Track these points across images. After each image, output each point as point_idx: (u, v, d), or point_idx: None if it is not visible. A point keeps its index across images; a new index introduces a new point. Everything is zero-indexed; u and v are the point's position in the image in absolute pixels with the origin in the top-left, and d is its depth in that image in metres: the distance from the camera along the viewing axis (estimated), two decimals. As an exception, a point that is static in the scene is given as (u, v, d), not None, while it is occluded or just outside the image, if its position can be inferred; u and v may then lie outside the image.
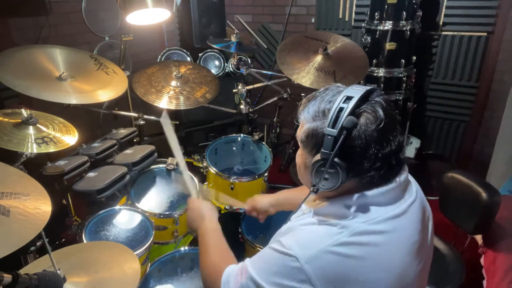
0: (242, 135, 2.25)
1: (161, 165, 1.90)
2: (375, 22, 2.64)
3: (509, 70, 2.71)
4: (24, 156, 1.42)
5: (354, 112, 0.77)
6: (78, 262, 1.13)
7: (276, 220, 2.12)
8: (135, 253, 1.22)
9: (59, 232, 1.70)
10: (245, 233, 1.89)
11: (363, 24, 2.79)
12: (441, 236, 1.89)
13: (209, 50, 2.95)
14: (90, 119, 2.68)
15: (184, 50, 3.00)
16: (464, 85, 2.92)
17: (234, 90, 2.46)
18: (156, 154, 1.92)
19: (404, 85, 2.71)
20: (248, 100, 2.52)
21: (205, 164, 2.03)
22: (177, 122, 2.60)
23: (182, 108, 2.16)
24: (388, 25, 2.60)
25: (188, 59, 2.97)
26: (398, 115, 0.87)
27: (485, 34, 2.74)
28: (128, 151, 1.89)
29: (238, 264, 0.96)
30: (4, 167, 1.09)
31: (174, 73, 2.24)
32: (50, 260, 0.98)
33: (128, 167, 1.73)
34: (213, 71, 2.90)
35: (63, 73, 1.75)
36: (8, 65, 1.62)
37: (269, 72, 2.82)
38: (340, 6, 3.23)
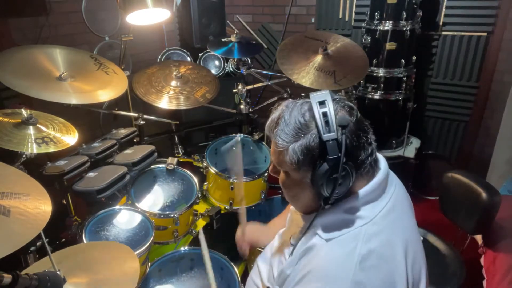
0: (242, 135, 2.25)
1: (161, 165, 1.90)
2: (375, 22, 2.64)
3: (509, 70, 2.71)
4: (24, 156, 1.42)
5: (336, 113, 0.79)
6: (78, 262, 1.13)
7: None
8: (135, 253, 1.22)
9: (59, 232, 1.70)
10: (245, 233, 1.89)
11: (363, 24, 2.79)
12: (441, 236, 1.90)
13: (209, 50, 2.95)
14: (90, 119, 2.67)
15: (184, 50, 3.00)
16: (464, 85, 2.92)
17: (234, 90, 2.46)
18: (156, 154, 1.92)
19: (404, 85, 2.71)
20: (248, 100, 2.52)
21: (205, 164, 2.03)
22: (177, 122, 2.60)
23: (182, 108, 2.16)
24: (388, 25, 2.60)
25: (188, 59, 2.97)
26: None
27: (485, 34, 2.74)
28: (128, 151, 1.89)
29: None
30: (4, 167, 1.09)
31: (174, 73, 2.24)
32: (50, 260, 0.98)
33: (128, 167, 1.73)
34: (213, 71, 2.90)
35: (63, 73, 1.75)
36: (8, 65, 1.62)
37: (269, 72, 2.82)
38: (340, 6, 3.23)
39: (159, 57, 2.96)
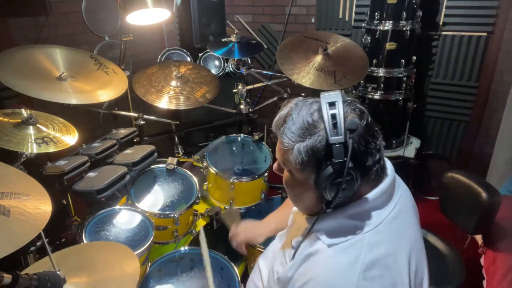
0: (242, 135, 2.25)
1: (161, 165, 1.90)
2: (375, 22, 2.64)
3: (509, 70, 2.71)
4: (24, 156, 1.42)
5: (345, 116, 0.76)
6: (78, 262, 1.13)
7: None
8: (135, 253, 1.22)
9: (59, 232, 1.70)
10: (245, 233, 1.89)
11: (363, 24, 2.79)
12: (441, 236, 1.90)
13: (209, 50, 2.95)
14: (90, 119, 2.68)
15: (184, 50, 3.00)
16: (464, 85, 2.92)
17: (234, 90, 2.46)
18: (156, 154, 1.92)
19: (404, 85, 2.71)
20: (248, 100, 2.52)
21: (205, 164, 2.03)
22: (177, 122, 2.60)
23: (182, 108, 2.16)
24: (388, 25, 2.60)
25: (188, 59, 2.97)
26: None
27: (485, 34, 2.74)
28: (128, 151, 1.89)
29: None
30: (4, 167, 1.09)
31: (174, 73, 2.24)
32: (50, 260, 0.98)
33: (128, 167, 1.73)
34: (213, 71, 2.90)
35: (63, 73, 1.75)
36: (8, 65, 1.62)
37: (269, 72, 2.82)
38: (340, 6, 3.23)
39: (159, 57, 2.96)
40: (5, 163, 1.10)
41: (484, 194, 1.63)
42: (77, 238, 1.53)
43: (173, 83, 2.21)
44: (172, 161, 1.89)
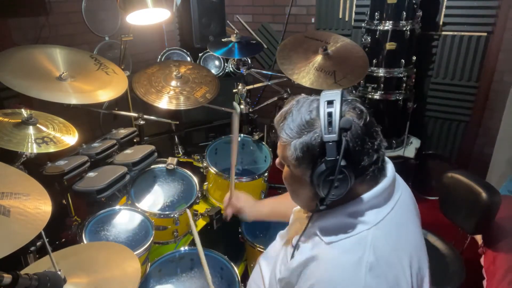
0: (242, 135, 2.25)
1: (161, 165, 1.90)
2: (375, 22, 2.64)
3: (509, 70, 2.71)
4: (24, 156, 1.42)
5: (341, 114, 0.77)
6: (78, 262, 1.13)
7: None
8: (135, 253, 1.23)
9: (59, 232, 1.70)
10: (245, 233, 1.89)
11: (363, 24, 2.79)
12: (441, 236, 1.90)
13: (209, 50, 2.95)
14: (90, 119, 2.67)
15: (184, 50, 3.00)
16: (464, 85, 2.92)
17: (234, 90, 2.46)
18: (156, 154, 1.92)
19: (404, 85, 2.71)
20: (248, 100, 2.52)
21: (205, 164, 2.03)
22: (177, 122, 2.60)
23: (182, 108, 2.16)
24: (388, 25, 2.60)
25: (188, 59, 2.97)
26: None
27: (485, 34, 2.74)
28: (128, 151, 1.89)
29: None
30: (4, 167, 1.09)
31: (174, 73, 2.24)
32: (50, 260, 0.98)
33: (128, 167, 1.73)
34: (213, 71, 2.90)
35: (63, 73, 1.75)
36: (8, 65, 1.62)
37: (269, 72, 2.82)
38: (340, 6, 3.23)
39: (159, 57, 2.96)
40: (5, 163, 1.10)
41: (484, 194, 1.63)
42: (77, 238, 1.53)
43: (173, 83, 2.21)
44: (172, 161, 1.89)
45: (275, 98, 2.63)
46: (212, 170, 1.98)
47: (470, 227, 1.73)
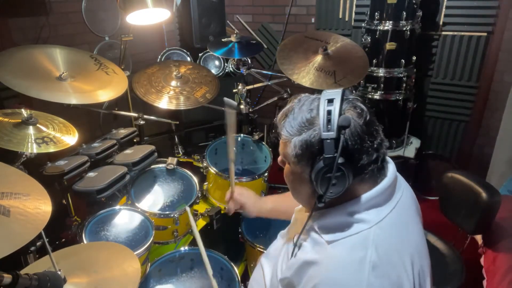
0: (242, 135, 2.25)
1: (161, 165, 1.90)
2: (375, 22, 2.64)
3: (509, 70, 2.71)
4: (24, 156, 1.42)
5: (340, 112, 0.77)
6: (78, 262, 1.13)
7: (276, 220, 2.12)
8: (135, 253, 1.23)
9: (59, 232, 1.70)
10: (245, 233, 1.89)
11: (363, 24, 2.79)
12: (441, 236, 1.89)
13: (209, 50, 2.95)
14: (90, 119, 2.67)
15: (184, 50, 3.00)
16: (464, 85, 2.92)
17: (234, 90, 2.46)
18: (156, 154, 1.92)
19: (404, 85, 2.71)
20: (248, 100, 2.52)
21: (205, 164, 2.03)
22: (177, 122, 2.60)
23: (182, 108, 2.16)
24: (388, 25, 2.60)
25: (188, 59, 2.97)
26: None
27: (485, 34, 2.74)
28: (128, 151, 1.89)
29: None
30: (4, 167, 1.09)
31: (174, 73, 2.24)
32: (50, 260, 0.98)
33: (128, 167, 1.73)
34: (213, 71, 2.90)
35: (63, 73, 1.75)
36: (8, 65, 1.62)
37: (269, 72, 2.82)
38: (340, 6, 3.23)
39: (159, 57, 2.96)
40: (5, 163, 1.10)
41: (484, 194, 1.63)
42: (77, 238, 1.53)
43: (173, 83, 2.21)
44: (172, 161, 1.89)
45: (275, 98, 2.63)
46: (212, 170, 1.98)
47: (470, 227, 1.73)
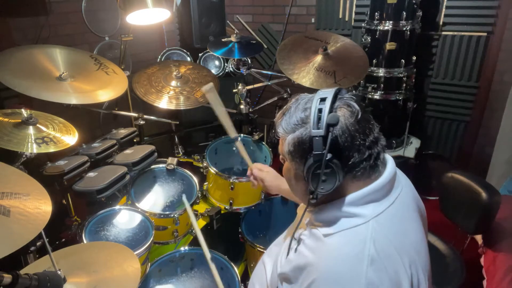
0: (242, 135, 2.25)
1: (161, 165, 1.90)
2: (375, 22, 2.64)
3: (509, 70, 2.71)
4: (24, 156, 1.42)
5: (332, 110, 0.80)
6: (78, 262, 1.13)
7: (276, 220, 2.13)
8: (135, 253, 1.23)
9: (59, 232, 1.70)
10: (245, 233, 1.89)
11: (363, 24, 2.79)
12: (441, 236, 1.89)
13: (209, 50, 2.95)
14: (90, 119, 2.68)
15: (184, 50, 3.00)
16: (464, 85, 2.92)
17: (234, 90, 2.46)
18: (156, 154, 1.92)
19: (404, 85, 2.71)
20: (248, 100, 2.52)
21: (205, 164, 2.03)
22: (177, 122, 2.60)
23: (182, 108, 2.15)
24: (388, 25, 2.60)
25: (188, 59, 2.97)
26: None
27: (485, 34, 2.74)
28: (128, 151, 1.89)
29: None
30: (4, 167, 1.09)
31: (174, 73, 2.24)
32: (50, 260, 0.98)
33: (128, 167, 1.73)
34: (213, 71, 2.90)
35: (63, 73, 1.75)
36: (8, 65, 1.62)
37: (269, 72, 2.82)
38: (340, 6, 3.23)
39: (159, 57, 2.96)
40: (5, 163, 1.10)
41: (484, 194, 1.63)
42: (77, 238, 1.53)
43: (173, 83, 2.21)
44: (172, 161, 1.89)
45: (275, 98, 2.63)
46: (212, 170, 1.98)
47: (470, 227, 1.73)
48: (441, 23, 2.86)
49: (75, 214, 1.68)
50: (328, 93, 0.82)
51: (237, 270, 1.62)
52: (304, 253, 0.87)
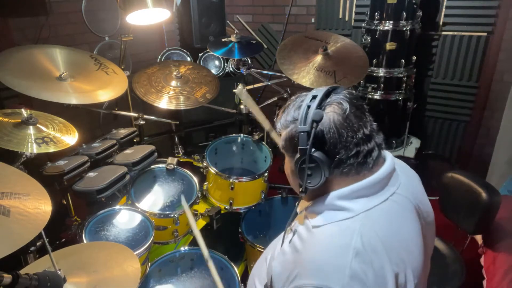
0: (242, 135, 2.25)
1: (161, 165, 1.90)
2: (375, 22, 2.64)
3: (509, 70, 2.71)
4: (24, 156, 1.42)
5: (321, 107, 0.83)
6: (78, 262, 1.13)
7: (276, 220, 2.13)
8: (135, 253, 1.23)
9: (59, 232, 1.70)
10: (245, 233, 1.89)
11: (363, 24, 2.79)
12: (441, 236, 1.89)
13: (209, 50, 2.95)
14: (90, 119, 2.68)
15: (184, 50, 3.00)
16: (464, 85, 2.92)
17: (234, 90, 2.46)
18: (156, 154, 1.92)
19: (404, 85, 2.71)
20: (248, 100, 2.52)
21: (205, 164, 2.03)
22: (177, 122, 2.60)
23: (182, 108, 2.16)
24: (388, 25, 2.60)
25: (188, 59, 2.97)
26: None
27: (485, 34, 2.74)
28: (128, 151, 1.89)
29: None
30: (4, 167, 1.09)
31: (174, 73, 2.24)
32: (50, 260, 0.98)
33: (128, 167, 1.73)
34: (213, 71, 2.90)
35: (63, 73, 1.75)
36: (8, 65, 1.62)
37: (269, 72, 2.82)
38: (340, 6, 3.23)
39: (159, 57, 2.96)
40: (5, 163, 1.10)
41: (484, 194, 1.63)
42: (77, 238, 1.53)
43: (173, 83, 2.21)
44: (172, 161, 1.89)
45: (275, 98, 2.63)
46: (212, 170, 1.98)
47: (470, 227, 1.73)
48: (441, 23, 2.86)
49: (75, 214, 1.68)
50: (320, 91, 0.86)
51: (237, 270, 1.62)
52: (295, 243, 0.90)
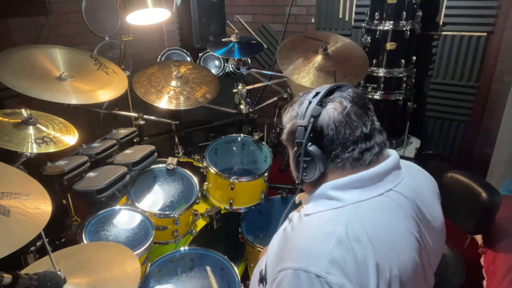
0: (242, 135, 2.25)
1: (161, 165, 1.90)
2: (375, 22, 2.64)
3: (509, 70, 2.71)
4: (24, 156, 1.42)
5: (322, 103, 0.86)
6: (78, 262, 1.13)
7: (276, 220, 2.13)
8: (135, 253, 1.23)
9: (59, 232, 1.70)
10: (245, 233, 1.90)
11: (363, 24, 2.80)
12: (441, 236, 1.89)
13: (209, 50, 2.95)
14: (90, 119, 2.68)
15: (184, 50, 3.00)
16: (464, 85, 2.92)
17: (234, 90, 2.46)
18: (156, 154, 1.92)
19: (404, 85, 2.71)
20: (248, 100, 2.52)
21: (205, 164, 2.03)
22: (177, 122, 2.60)
23: (182, 108, 2.16)
24: (388, 25, 2.60)
25: (188, 59, 2.97)
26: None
27: (485, 34, 2.74)
28: (128, 151, 1.89)
29: None
30: (4, 167, 1.09)
31: (174, 73, 2.24)
32: (50, 260, 0.98)
33: (128, 167, 1.73)
34: (213, 71, 2.90)
35: (63, 73, 1.75)
36: (8, 65, 1.62)
37: (269, 72, 2.82)
38: (340, 6, 3.23)
39: (159, 57, 2.96)
40: (5, 163, 1.10)
41: (484, 194, 1.63)
42: (77, 238, 1.53)
43: (173, 83, 2.21)
44: (172, 161, 1.89)
45: (275, 98, 2.63)
46: (212, 170, 1.98)
47: (470, 227, 1.73)
48: (441, 23, 2.86)
49: (75, 214, 1.68)
50: (323, 88, 0.89)
51: (237, 270, 1.62)
52: (287, 230, 0.91)
